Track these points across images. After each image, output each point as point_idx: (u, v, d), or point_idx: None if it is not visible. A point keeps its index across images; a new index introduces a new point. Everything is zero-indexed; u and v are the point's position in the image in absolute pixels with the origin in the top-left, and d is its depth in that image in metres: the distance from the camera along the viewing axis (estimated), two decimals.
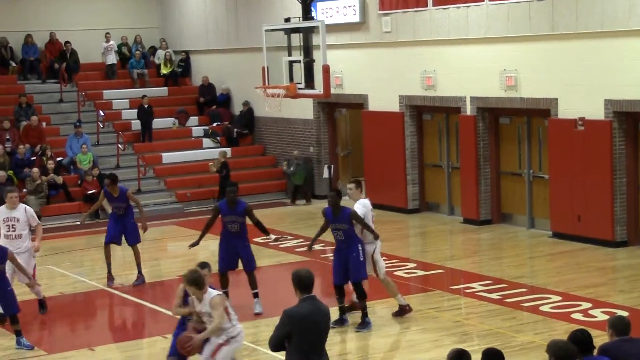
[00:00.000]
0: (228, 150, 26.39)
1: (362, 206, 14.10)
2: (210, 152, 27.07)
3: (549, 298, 14.85)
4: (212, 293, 10.22)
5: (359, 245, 13.69)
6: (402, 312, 14.15)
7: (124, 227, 16.68)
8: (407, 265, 17.54)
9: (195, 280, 10.07)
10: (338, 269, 13.79)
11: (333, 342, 13.00)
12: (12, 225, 14.38)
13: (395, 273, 16.91)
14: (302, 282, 8.20)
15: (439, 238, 20.54)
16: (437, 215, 22.50)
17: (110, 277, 16.66)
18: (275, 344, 8.15)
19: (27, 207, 14.69)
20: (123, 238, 16.76)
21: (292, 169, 25.40)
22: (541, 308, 14.34)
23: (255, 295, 14.65)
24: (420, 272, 17.15)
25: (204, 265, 10.64)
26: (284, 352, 8.26)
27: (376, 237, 14.00)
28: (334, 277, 13.88)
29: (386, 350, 12.76)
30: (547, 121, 19.28)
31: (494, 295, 15.12)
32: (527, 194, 20.37)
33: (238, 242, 14.68)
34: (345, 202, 14.33)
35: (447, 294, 15.59)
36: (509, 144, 20.81)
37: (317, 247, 19.59)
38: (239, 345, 10.55)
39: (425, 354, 12.49)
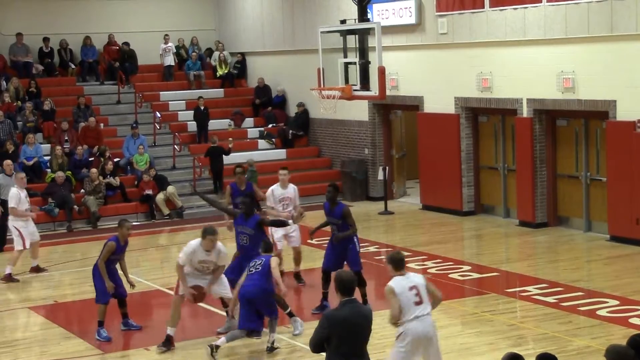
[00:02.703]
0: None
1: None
2: (265, 153, 27.23)
3: (606, 302, 14.70)
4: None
5: (355, 237, 14.50)
6: None
7: None
8: (462, 268, 17.47)
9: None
10: (329, 256, 14.67)
11: (387, 345, 12.99)
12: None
13: (450, 275, 16.87)
14: (344, 284, 8.21)
15: (494, 241, 20.42)
16: (492, 217, 22.37)
17: None
18: (315, 346, 8.19)
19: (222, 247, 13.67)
20: None
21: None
22: (598, 312, 14.20)
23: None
24: (475, 275, 17.06)
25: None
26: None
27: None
28: (324, 262, 14.76)
29: (442, 353, 12.68)
30: (605, 123, 19.08)
31: (550, 299, 15.00)
32: (584, 197, 20.17)
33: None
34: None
35: (502, 297, 15.49)
36: (566, 146, 20.62)
37: (372, 248, 19.68)
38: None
39: (480, 357, 12.43)
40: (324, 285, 14.79)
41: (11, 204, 17.94)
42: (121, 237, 13.84)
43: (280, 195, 16.60)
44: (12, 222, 18.04)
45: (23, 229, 17.91)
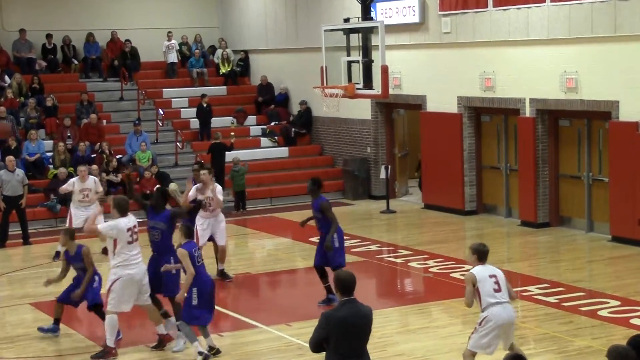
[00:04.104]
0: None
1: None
2: (268, 151, 27.24)
3: (608, 303, 14.70)
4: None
5: (335, 233, 14.59)
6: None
7: None
8: (463, 268, 17.43)
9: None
10: (318, 252, 14.92)
11: (387, 343, 13.00)
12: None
13: (452, 275, 16.86)
14: (344, 284, 8.17)
15: (496, 240, 20.40)
16: (494, 217, 22.36)
17: None
18: (315, 346, 8.17)
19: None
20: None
21: (228, 175, 24.65)
22: (599, 313, 14.19)
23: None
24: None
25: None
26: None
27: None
28: (315, 258, 15.03)
29: (442, 352, 12.70)
30: (608, 124, 19.07)
31: (551, 299, 15.00)
32: (586, 197, 20.16)
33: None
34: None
35: None
36: (569, 147, 20.62)
37: (373, 247, 19.68)
38: None
39: (481, 357, 12.41)
40: (323, 281, 14.96)
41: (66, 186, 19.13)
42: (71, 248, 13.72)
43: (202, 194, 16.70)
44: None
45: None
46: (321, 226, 14.81)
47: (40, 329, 13.92)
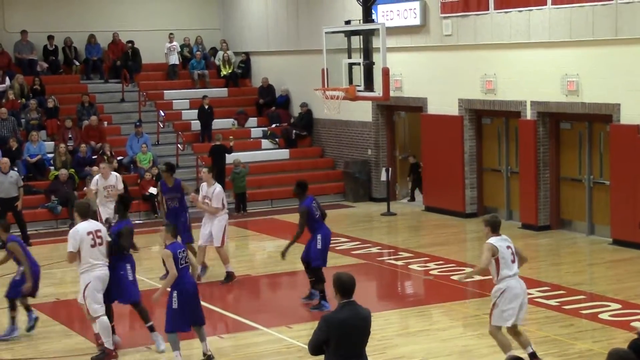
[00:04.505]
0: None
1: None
2: (269, 153, 27.25)
3: (608, 306, 14.69)
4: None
5: (318, 235, 14.87)
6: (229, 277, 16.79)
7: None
8: (464, 270, 17.43)
9: None
10: (305, 247, 15.23)
11: (387, 346, 13.00)
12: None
13: (452, 277, 16.85)
14: (344, 286, 8.14)
15: None
16: None
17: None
18: (314, 348, 8.14)
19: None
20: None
21: (229, 177, 24.67)
22: (600, 316, 14.19)
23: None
24: (477, 277, 16.99)
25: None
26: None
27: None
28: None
29: (443, 355, 12.69)
30: (609, 127, 19.07)
31: (552, 302, 14.99)
32: (587, 200, 20.15)
33: None
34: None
35: None
36: (570, 150, 20.61)
37: (374, 249, 19.67)
38: None
39: (481, 358, 12.42)
40: (307, 275, 15.34)
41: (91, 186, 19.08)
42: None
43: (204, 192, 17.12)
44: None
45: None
46: (308, 227, 15.05)
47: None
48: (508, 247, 11.61)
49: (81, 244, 12.45)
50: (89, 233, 12.50)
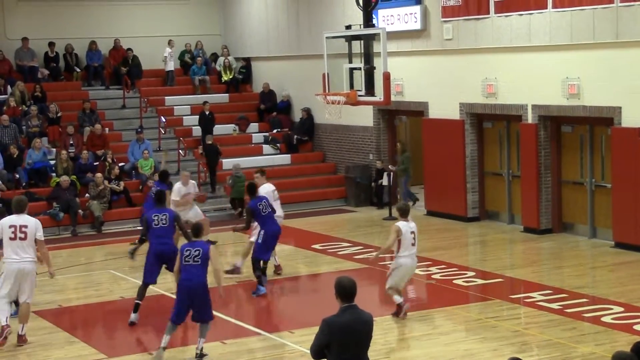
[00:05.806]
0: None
1: (264, 190, 17.23)
2: (270, 158, 27.24)
3: (611, 309, 14.67)
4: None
5: (261, 231, 16.48)
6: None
7: None
8: (466, 274, 17.45)
9: None
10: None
11: (390, 350, 12.99)
12: None
13: (454, 281, 16.85)
14: (345, 290, 8.15)
15: (499, 247, 20.40)
16: (496, 223, 22.34)
17: None
18: (316, 353, 8.15)
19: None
20: None
21: (230, 181, 24.63)
22: (603, 319, 14.17)
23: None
24: (480, 281, 17.04)
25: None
26: None
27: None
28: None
29: (445, 359, 12.68)
30: (610, 130, 19.06)
31: (554, 305, 14.98)
32: (588, 203, 20.14)
33: None
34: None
35: (506, 303, 15.47)
36: (571, 153, 20.61)
37: (373, 254, 19.64)
38: None
39: (480, 357, 12.43)
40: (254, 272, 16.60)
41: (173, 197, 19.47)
42: None
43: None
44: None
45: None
46: (260, 223, 16.47)
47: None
48: (412, 232, 14.00)
49: (2, 233, 13.31)
50: (10, 226, 13.33)
